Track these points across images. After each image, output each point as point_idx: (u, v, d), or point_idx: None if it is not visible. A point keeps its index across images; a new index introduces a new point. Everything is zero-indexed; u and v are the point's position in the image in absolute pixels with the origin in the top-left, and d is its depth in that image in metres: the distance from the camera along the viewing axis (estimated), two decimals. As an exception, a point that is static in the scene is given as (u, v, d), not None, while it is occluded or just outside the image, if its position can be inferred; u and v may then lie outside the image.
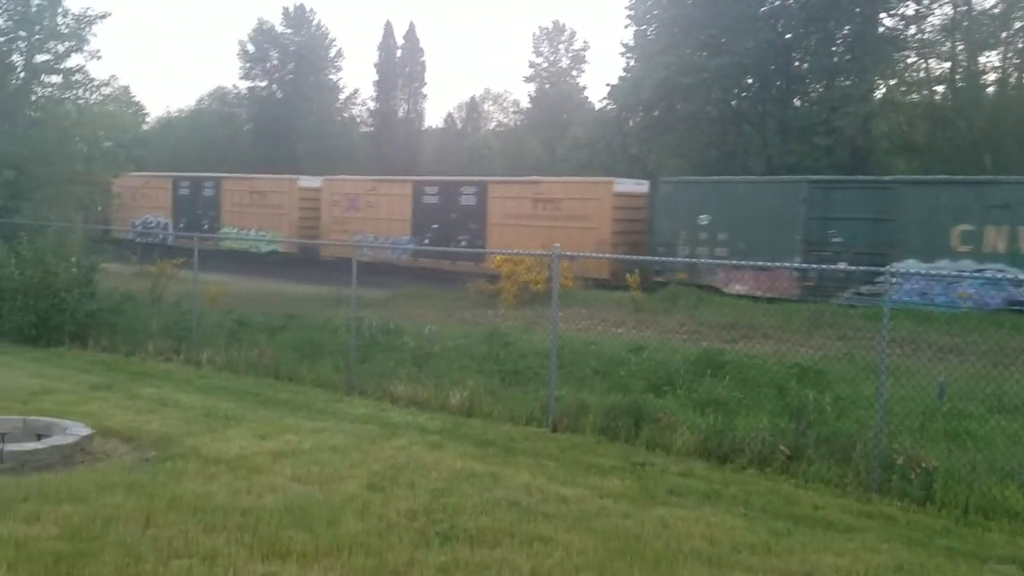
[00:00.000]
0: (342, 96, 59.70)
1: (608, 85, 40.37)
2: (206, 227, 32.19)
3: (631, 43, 37.78)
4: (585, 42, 61.44)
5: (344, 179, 31.76)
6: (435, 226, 27.64)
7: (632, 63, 37.85)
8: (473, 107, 67.39)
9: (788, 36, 32.48)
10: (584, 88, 61.27)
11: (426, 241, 27.54)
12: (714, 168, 32.90)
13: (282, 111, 53.30)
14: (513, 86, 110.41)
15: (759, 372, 9.97)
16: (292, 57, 55.26)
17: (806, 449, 6.40)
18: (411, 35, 58.21)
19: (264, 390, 9.12)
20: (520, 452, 6.57)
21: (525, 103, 63.87)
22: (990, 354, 13.39)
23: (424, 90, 59.87)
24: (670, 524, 4.94)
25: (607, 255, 23.03)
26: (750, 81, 33.81)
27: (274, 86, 55.57)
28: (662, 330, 16.89)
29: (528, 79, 61.97)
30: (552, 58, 62.77)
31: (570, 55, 63.13)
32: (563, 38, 62.65)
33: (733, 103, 34.21)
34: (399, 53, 57.77)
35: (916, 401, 8.17)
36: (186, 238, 24.91)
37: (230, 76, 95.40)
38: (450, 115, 67.78)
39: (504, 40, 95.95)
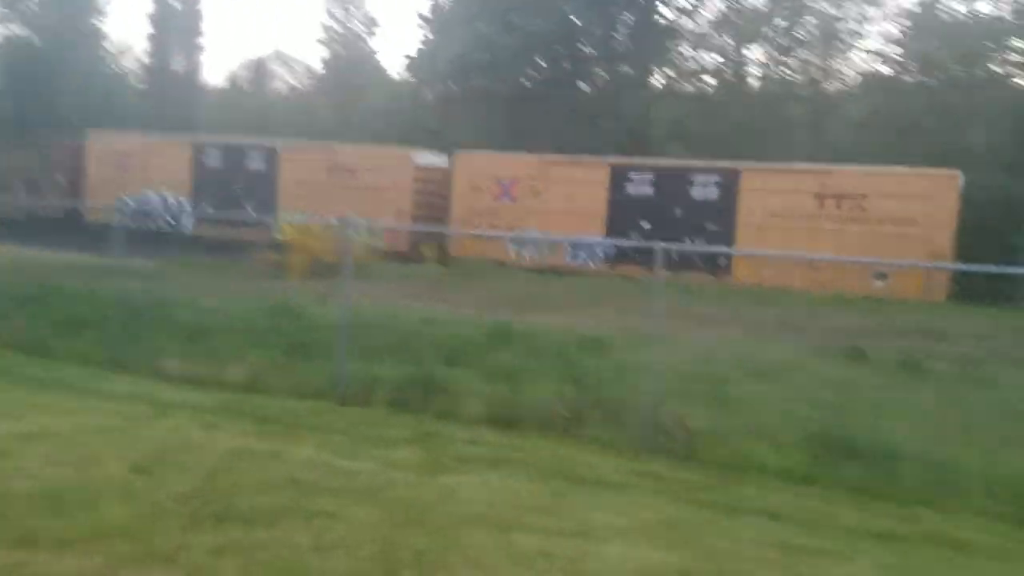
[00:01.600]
0: (110, 47, 54.18)
1: (407, 57, 39.94)
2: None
3: (428, 15, 37.57)
4: (376, 8, 59.93)
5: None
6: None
7: (429, 36, 37.65)
8: (260, 67, 63.86)
9: (575, 19, 33.74)
10: (375, 53, 59.69)
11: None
12: (506, 147, 33.72)
13: (42, 62, 47.41)
14: (304, 49, 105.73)
15: (546, 342, 10.38)
16: (52, 1, 49.23)
17: (585, 414, 6.72)
18: (190, -12, 53.87)
19: (13, 367, 8.12)
20: (305, 428, 6.34)
21: (318, 67, 61.62)
22: (752, 325, 14.96)
23: (203, 43, 55.60)
24: (456, 491, 4.98)
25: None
26: (540, 62, 34.81)
27: (31, 33, 49.24)
28: (457, 303, 17.12)
29: (321, 42, 59.73)
30: (346, 23, 60.87)
31: (363, 21, 61.57)
32: (355, 2, 60.93)
33: (524, 83, 35.08)
34: (176, 5, 53.27)
35: (686, 367, 8.89)
36: None
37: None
38: (234, 74, 63.82)
39: (294, 1, 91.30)
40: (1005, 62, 26.72)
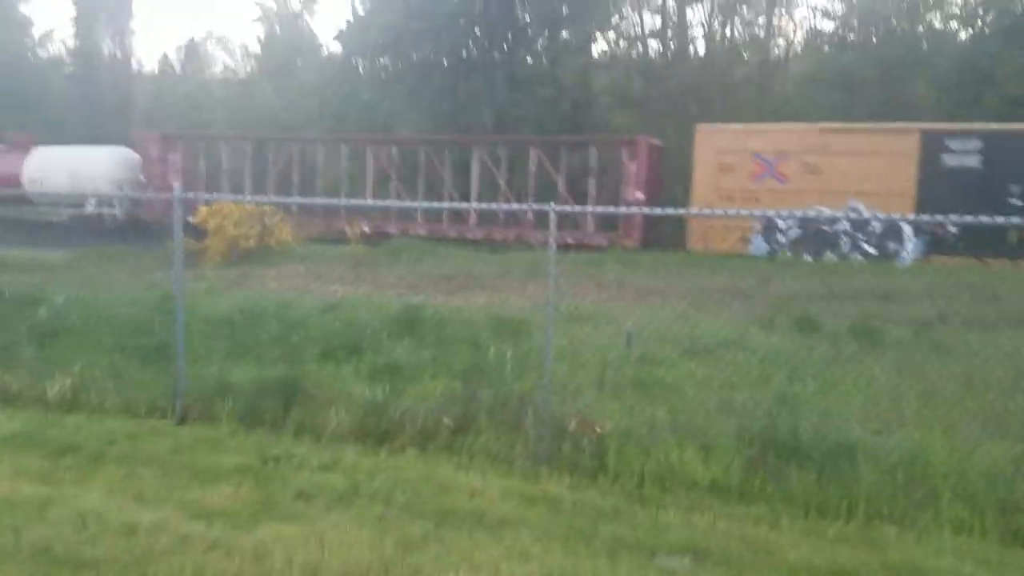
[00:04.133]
0: (36, 33, 51.27)
1: (339, 30, 37.85)
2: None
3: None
4: (317, -16, 57.33)
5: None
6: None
7: (359, 5, 35.74)
8: (193, 49, 61.11)
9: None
10: (311, 30, 57.42)
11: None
12: (446, 118, 32.16)
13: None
14: (238, 30, 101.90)
15: (458, 327, 9.11)
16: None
17: (477, 418, 5.47)
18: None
19: None
20: (112, 459, 4.96)
21: (254, 47, 59.01)
22: (688, 295, 13.82)
23: (133, 26, 52.95)
24: (269, 551, 3.69)
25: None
26: (477, 31, 33.21)
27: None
28: (380, 284, 15.82)
29: (257, 19, 57.19)
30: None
31: (300, -2, 59.02)
32: (291, -22, 58.33)
33: (463, 53, 33.47)
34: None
35: (605, 351, 7.69)
36: None
37: None
38: (166, 57, 61.02)
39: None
40: (947, 16, 25.94)
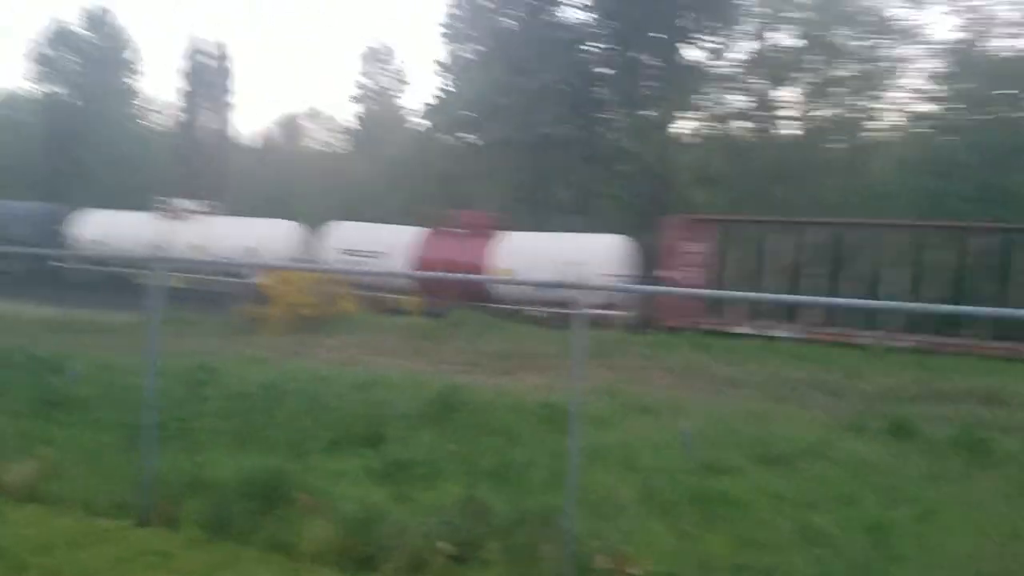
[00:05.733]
0: (140, 103, 54.54)
1: (425, 104, 38.64)
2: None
3: (447, 62, 36.17)
4: (402, 62, 59.08)
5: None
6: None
7: (447, 83, 36.27)
8: (292, 124, 63.69)
9: (594, 62, 32.04)
10: (401, 109, 59.05)
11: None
12: (527, 192, 31.85)
13: (78, 117, 47.59)
14: (335, 106, 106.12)
15: (501, 413, 8.13)
16: (90, 61, 49.82)
17: (483, 543, 4.42)
18: (221, 47, 53.91)
19: None
20: (33, 574, 4.11)
21: (352, 124, 60.87)
22: (764, 386, 12.39)
23: (232, 102, 55.50)
24: None
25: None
26: (558, 107, 33.07)
27: (70, 90, 49.78)
28: (436, 360, 15.04)
29: (356, 99, 59.10)
30: (376, 79, 60.31)
31: (393, 75, 60.95)
32: (385, 57, 60.42)
33: (544, 128, 33.30)
34: (207, 63, 53.25)
35: (653, 456, 6.56)
36: None
37: (14, 79, 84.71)
38: (266, 131, 63.67)
39: (321, 60, 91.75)
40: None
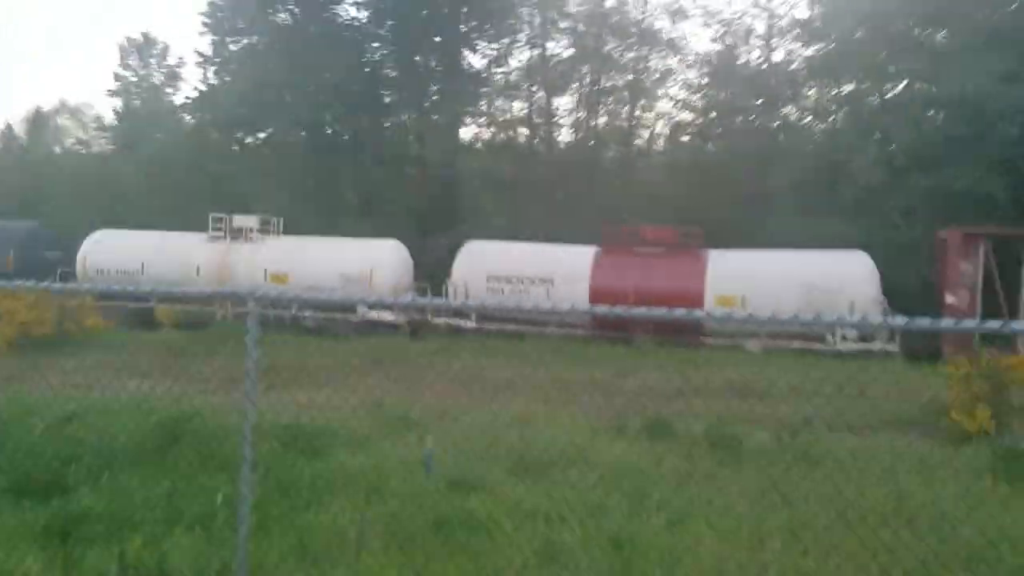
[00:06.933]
0: None
1: (187, 99, 35.55)
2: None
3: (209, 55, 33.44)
4: (180, 58, 54.43)
5: None
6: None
7: (212, 77, 33.63)
8: (40, 120, 56.82)
9: (379, 63, 31.25)
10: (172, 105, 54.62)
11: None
12: (311, 193, 30.24)
13: None
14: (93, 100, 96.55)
15: (226, 443, 7.11)
16: None
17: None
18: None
19: None
20: None
21: (111, 119, 55.10)
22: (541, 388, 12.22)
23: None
24: None
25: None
26: (343, 106, 31.89)
27: None
28: (191, 379, 13.51)
29: (113, 92, 53.44)
30: (143, 72, 55.07)
31: (163, 70, 56.05)
32: (155, 51, 55.43)
33: (327, 128, 31.89)
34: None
35: (403, 479, 5.97)
36: None
37: None
38: (9, 127, 56.38)
39: (74, 51, 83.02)
40: (803, 109, 26.67)
